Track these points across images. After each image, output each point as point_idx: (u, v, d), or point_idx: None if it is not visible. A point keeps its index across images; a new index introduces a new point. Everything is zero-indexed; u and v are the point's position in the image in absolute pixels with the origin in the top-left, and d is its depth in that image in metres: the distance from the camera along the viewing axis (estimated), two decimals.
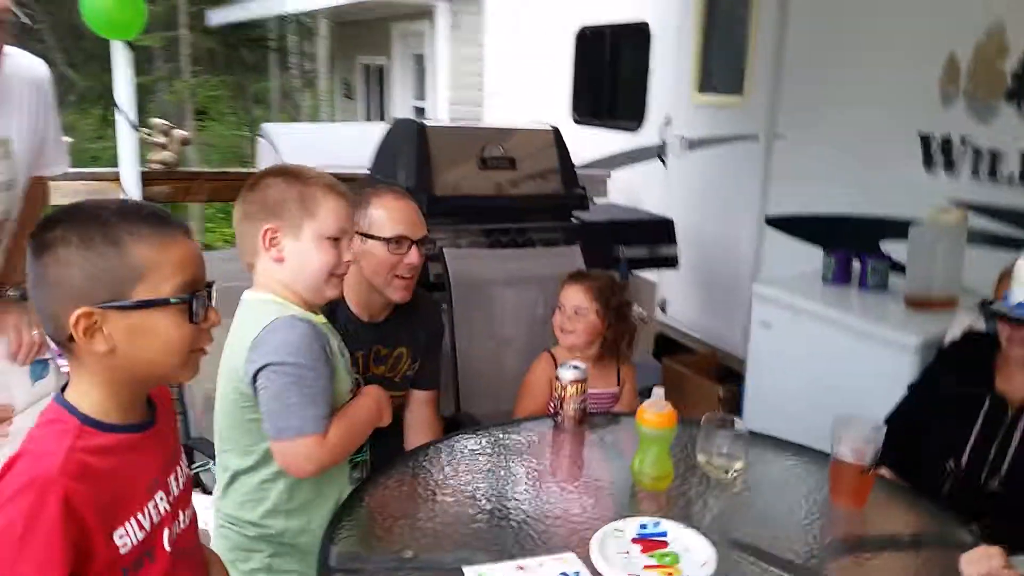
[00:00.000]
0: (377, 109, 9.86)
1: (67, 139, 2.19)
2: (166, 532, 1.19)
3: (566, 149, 3.61)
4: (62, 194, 3.57)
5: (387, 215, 1.98)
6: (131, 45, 3.28)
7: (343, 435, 1.59)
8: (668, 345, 4.62)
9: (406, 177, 3.33)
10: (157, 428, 1.21)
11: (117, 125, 3.41)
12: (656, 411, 1.68)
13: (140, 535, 1.12)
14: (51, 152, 1.97)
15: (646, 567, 1.41)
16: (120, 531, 1.10)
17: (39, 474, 1.03)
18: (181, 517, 1.24)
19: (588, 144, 5.45)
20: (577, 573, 1.38)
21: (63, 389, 1.14)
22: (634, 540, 1.48)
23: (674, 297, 4.70)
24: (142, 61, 14.45)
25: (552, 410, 2.00)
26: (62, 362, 1.95)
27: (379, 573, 1.38)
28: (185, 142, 3.63)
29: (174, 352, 1.14)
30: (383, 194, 2.03)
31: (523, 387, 2.35)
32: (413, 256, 1.98)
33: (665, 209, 4.28)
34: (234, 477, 1.69)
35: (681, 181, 4.58)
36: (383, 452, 1.85)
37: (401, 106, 8.94)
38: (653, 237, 3.89)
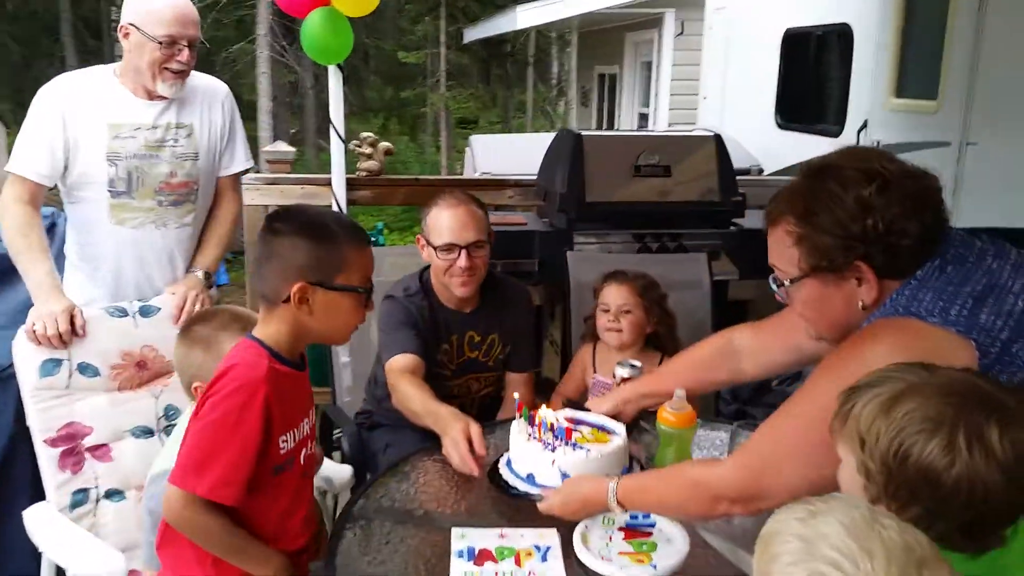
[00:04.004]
0: (607, 116, 10.12)
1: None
2: (303, 451, 1.57)
3: (727, 156, 3.59)
4: (285, 195, 4.26)
5: (438, 223, 2.17)
6: (340, 67, 3.77)
7: None
8: None
9: (560, 184, 3.53)
10: (305, 373, 1.59)
11: (331, 138, 3.96)
12: (674, 411, 1.75)
13: (291, 445, 1.52)
14: (239, 152, 2.48)
15: (620, 553, 1.51)
16: (283, 437, 1.50)
17: (250, 379, 1.44)
18: (309, 445, 1.62)
19: (790, 149, 5.29)
20: (549, 548, 1.52)
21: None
22: (621, 528, 1.58)
23: None
24: (405, 78, 16.02)
25: None
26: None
27: (387, 521, 1.62)
28: (388, 152, 4.10)
29: (347, 326, 1.54)
30: (440, 202, 2.21)
31: (566, 373, 2.57)
32: (462, 260, 2.14)
33: None
34: None
35: None
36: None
37: (628, 112, 9.12)
38: None
